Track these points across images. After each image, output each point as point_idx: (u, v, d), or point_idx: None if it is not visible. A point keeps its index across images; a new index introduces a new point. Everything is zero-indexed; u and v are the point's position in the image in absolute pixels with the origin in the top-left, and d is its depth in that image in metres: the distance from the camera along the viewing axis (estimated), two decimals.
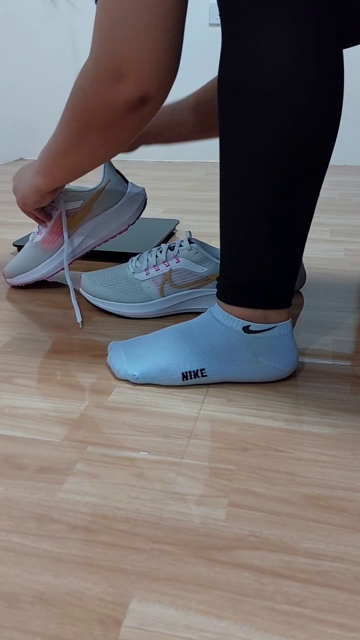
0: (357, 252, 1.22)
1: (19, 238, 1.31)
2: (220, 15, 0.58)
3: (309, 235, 1.33)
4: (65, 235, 0.92)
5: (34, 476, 0.55)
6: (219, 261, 0.87)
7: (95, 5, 0.61)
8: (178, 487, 0.53)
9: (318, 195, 0.64)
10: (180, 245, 0.87)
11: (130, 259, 0.91)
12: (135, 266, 0.88)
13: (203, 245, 0.90)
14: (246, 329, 0.67)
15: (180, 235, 1.35)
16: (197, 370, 0.68)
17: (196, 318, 0.72)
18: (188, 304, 0.89)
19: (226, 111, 0.59)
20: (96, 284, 0.90)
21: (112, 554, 0.46)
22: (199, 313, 0.90)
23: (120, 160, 2.45)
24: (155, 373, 0.69)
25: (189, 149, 2.38)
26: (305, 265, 1.12)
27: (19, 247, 1.20)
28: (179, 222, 1.36)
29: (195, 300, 0.89)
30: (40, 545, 0.47)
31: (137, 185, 1.01)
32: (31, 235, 0.98)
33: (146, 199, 0.97)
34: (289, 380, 0.71)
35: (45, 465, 0.56)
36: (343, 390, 0.69)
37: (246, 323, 0.67)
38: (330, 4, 0.54)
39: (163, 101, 0.65)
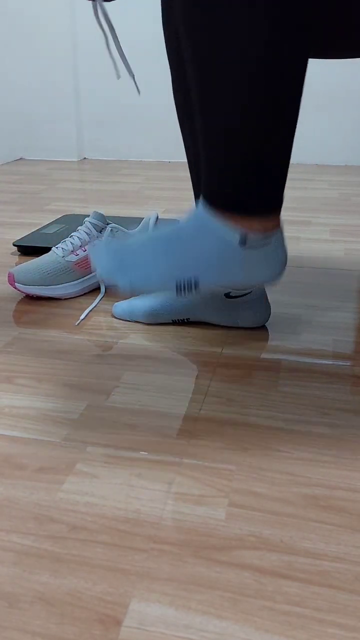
0: (357, 252, 1.22)
1: (18, 238, 1.31)
2: None
3: (309, 235, 1.33)
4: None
5: (34, 476, 0.55)
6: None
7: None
8: (178, 487, 0.53)
9: (300, 100, 0.60)
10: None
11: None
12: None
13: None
14: (242, 243, 0.65)
15: None
16: (190, 281, 0.67)
17: (184, 222, 0.68)
18: None
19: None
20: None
21: (112, 554, 0.46)
22: None
23: (120, 160, 2.45)
24: (147, 283, 0.67)
25: None
26: (304, 265, 1.12)
27: (19, 247, 1.20)
28: None
29: None
30: (40, 545, 0.47)
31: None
32: (59, 249, 0.96)
33: None
34: (289, 380, 0.71)
35: (45, 465, 0.56)
36: (343, 390, 0.69)
37: (242, 231, 0.64)
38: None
39: None
